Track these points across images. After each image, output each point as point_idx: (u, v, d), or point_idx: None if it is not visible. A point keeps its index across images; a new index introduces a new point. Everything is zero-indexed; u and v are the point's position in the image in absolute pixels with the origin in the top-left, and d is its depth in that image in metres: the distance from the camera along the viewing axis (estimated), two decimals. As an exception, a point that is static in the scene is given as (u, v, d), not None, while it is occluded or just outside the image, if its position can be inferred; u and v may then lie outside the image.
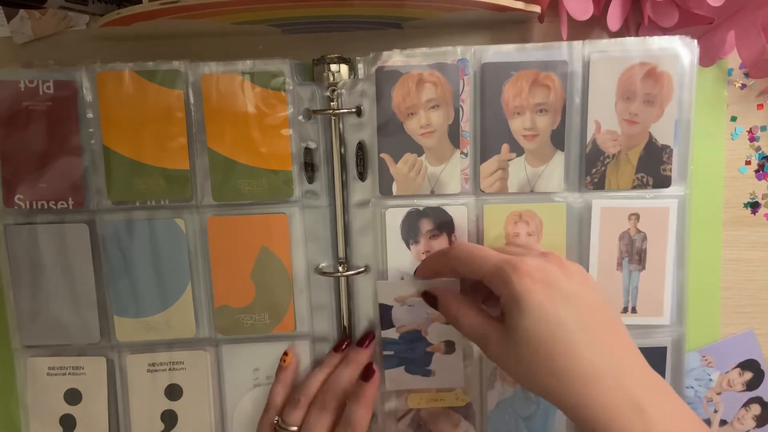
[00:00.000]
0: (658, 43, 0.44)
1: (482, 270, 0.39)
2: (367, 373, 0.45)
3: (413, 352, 0.47)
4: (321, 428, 0.45)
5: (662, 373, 0.47)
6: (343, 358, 0.47)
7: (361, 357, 0.47)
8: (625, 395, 0.34)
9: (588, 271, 0.46)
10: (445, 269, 0.43)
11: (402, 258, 0.46)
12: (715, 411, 0.51)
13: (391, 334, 0.47)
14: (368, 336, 0.47)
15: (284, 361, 0.48)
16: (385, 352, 0.47)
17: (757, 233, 0.50)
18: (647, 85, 0.44)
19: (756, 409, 0.52)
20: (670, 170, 0.45)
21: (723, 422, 0.52)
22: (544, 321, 0.36)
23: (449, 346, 0.47)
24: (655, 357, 0.47)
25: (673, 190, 0.45)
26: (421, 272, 0.46)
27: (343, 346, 0.48)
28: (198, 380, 0.48)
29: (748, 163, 0.50)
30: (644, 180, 0.45)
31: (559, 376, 0.35)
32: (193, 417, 0.48)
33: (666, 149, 0.45)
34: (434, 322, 0.47)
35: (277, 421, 0.46)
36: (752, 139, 0.50)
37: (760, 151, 0.50)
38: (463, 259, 0.41)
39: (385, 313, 0.47)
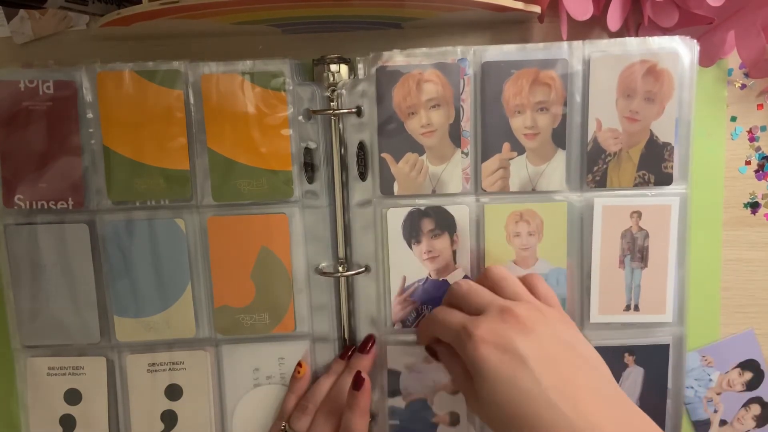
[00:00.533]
0: (658, 42, 0.44)
1: (448, 336, 0.41)
2: (357, 382, 0.45)
3: (419, 423, 0.48)
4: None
5: (664, 372, 0.47)
6: (347, 366, 0.48)
7: (364, 363, 0.47)
8: None
9: (591, 269, 0.46)
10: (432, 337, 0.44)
11: (403, 258, 0.46)
12: (715, 411, 0.51)
13: (398, 402, 0.48)
14: (369, 340, 0.48)
15: (298, 372, 0.48)
16: (390, 422, 0.48)
17: (757, 233, 0.50)
18: (648, 83, 0.44)
19: (756, 409, 0.52)
20: (672, 168, 0.45)
21: (723, 422, 0.52)
22: (500, 386, 0.36)
23: (454, 418, 0.48)
24: (658, 354, 0.47)
25: (675, 187, 0.45)
26: (420, 341, 0.47)
27: (349, 353, 0.48)
28: (198, 380, 0.48)
29: (748, 163, 0.50)
30: (646, 178, 0.45)
31: None
32: (193, 417, 0.48)
33: (667, 146, 0.45)
34: (440, 391, 0.48)
35: (284, 427, 0.47)
36: (752, 139, 0.50)
37: (760, 151, 0.50)
38: (435, 326, 0.42)
39: (393, 379, 0.48)
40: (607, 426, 0.35)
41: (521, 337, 0.38)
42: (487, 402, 0.37)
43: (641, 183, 0.45)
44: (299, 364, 0.48)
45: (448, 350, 0.42)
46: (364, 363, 0.47)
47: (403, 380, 0.48)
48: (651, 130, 0.45)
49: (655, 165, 0.45)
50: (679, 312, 0.47)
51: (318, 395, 0.47)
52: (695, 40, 0.44)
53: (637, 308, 0.47)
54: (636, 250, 0.46)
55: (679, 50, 0.44)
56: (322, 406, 0.46)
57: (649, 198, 0.46)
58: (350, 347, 0.48)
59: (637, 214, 0.46)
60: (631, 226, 0.46)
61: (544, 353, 0.37)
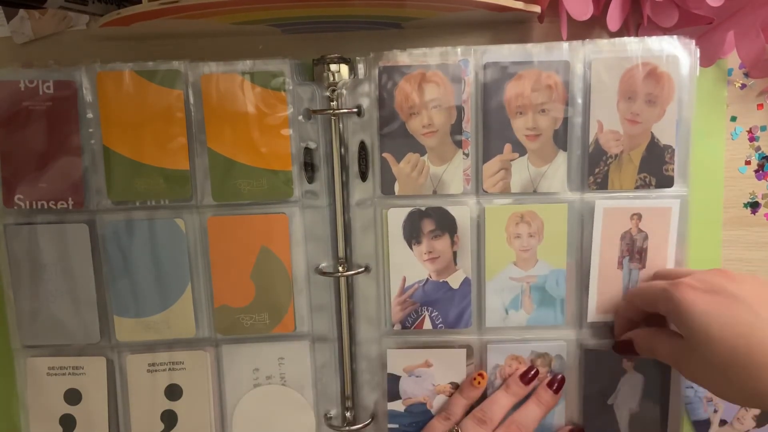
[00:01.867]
0: (658, 43, 0.44)
1: (652, 298, 0.42)
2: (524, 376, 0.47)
3: (417, 426, 0.48)
4: None
5: (665, 370, 0.47)
6: (530, 392, 0.47)
7: (550, 399, 0.47)
8: None
9: (588, 269, 0.47)
10: (635, 314, 0.45)
11: (404, 258, 0.46)
12: (715, 411, 0.51)
13: (397, 406, 0.48)
14: (557, 379, 0.47)
15: (478, 382, 0.47)
16: (390, 425, 0.48)
17: (757, 233, 0.50)
18: (649, 85, 0.44)
19: (755, 409, 0.52)
20: (673, 170, 0.45)
21: (723, 422, 0.52)
22: (716, 321, 0.37)
23: None
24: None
25: (676, 190, 0.45)
26: (619, 332, 0.46)
27: (530, 375, 0.47)
28: (198, 380, 0.48)
29: (748, 163, 0.50)
30: (647, 180, 0.45)
31: (752, 369, 0.36)
32: (193, 417, 0.48)
33: (668, 149, 0.45)
34: (439, 394, 0.48)
35: (457, 430, 0.46)
36: (752, 139, 0.50)
37: (759, 151, 0.50)
38: (634, 299, 0.44)
39: (392, 383, 0.48)
40: None
41: (729, 281, 0.38)
42: (702, 345, 0.37)
43: (642, 185, 0.45)
44: (480, 374, 0.47)
45: (646, 331, 0.44)
46: (550, 400, 0.47)
47: (403, 384, 0.48)
48: (652, 133, 0.45)
49: (656, 167, 0.45)
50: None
51: (497, 413, 0.46)
52: (694, 41, 0.44)
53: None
54: (635, 252, 0.46)
55: (679, 53, 0.44)
56: (502, 426, 0.46)
57: (650, 200, 0.46)
58: (532, 368, 0.47)
59: (638, 216, 0.46)
60: (630, 228, 0.46)
61: (756, 293, 0.38)
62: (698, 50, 0.44)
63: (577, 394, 0.48)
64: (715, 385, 0.38)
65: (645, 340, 0.44)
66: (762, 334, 0.36)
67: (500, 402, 0.46)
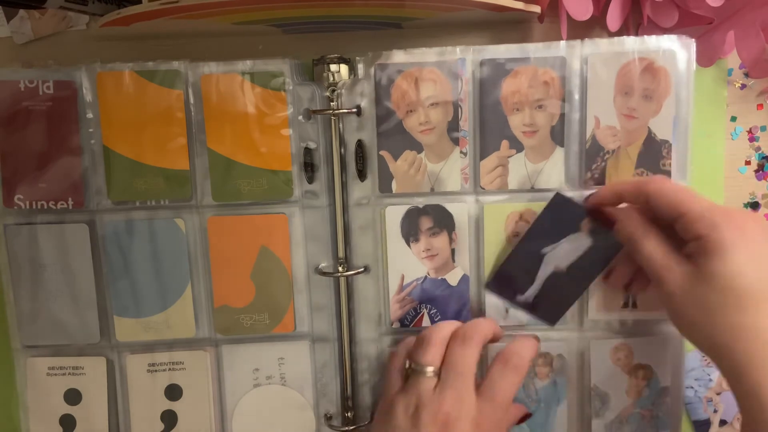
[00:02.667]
0: (655, 41, 0.44)
1: (688, 208, 0.38)
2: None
3: None
4: (470, 361, 0.40)
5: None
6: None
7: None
8: None
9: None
10: (634, 197, 0.41)
11: (402, 256, 0.46)
12: (715, 411, 0.51)
13: None
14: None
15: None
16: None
17: (757, 233, 0.50)
18: (645, 80, 0.44)
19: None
20: (670, 165, 0.45)
21: (723, 422, 0.52)
22: (747, 274, 0.35)
23: None
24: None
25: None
26: (597, 197, 0.44)
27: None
28: (198, 380, 0.48)
29: (747, 163, 0.50)
30: (644, 175, 0.45)
31: (739, 332, 0.35)
32: (193, 417, 0.48)
33: (665, 144, 0.45)
34: None
35: (409, 365, 0.42)
36: (752, 139, 0.50)
37: (759, 151, 0.50)
38: (666, 192, 0.39)
39: None
40: None
41: (754, 220, 0.38)
42: (719, 286, 0.35)
43: (640, 180, 0.45)
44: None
45: (642, 221, 0.40)
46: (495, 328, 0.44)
47: None
48: (649, 128, 0.45)
49: (653, 162, 0.45)
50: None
51: (441, 329, 0.42)
52: (692, 39, 0.44)
53: (634, 305, 0.47)
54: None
55: (675, 48, 0.44)
56: (454, 336, 0.42)
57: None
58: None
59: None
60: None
61: None
62: (695, 44, 0.44)
63: (576, 386, 0.48)
64: (696, 318, 0.37)
65: (635, 229, 0.40)
66: None
67: (443, 324, 0.43)
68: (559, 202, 0.45)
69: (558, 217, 0.45)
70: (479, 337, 0.41)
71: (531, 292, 0.46)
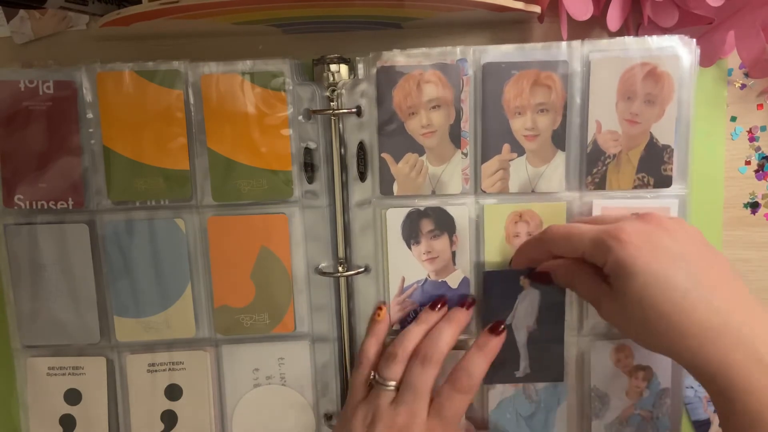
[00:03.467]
0: (658, 42, 0.44)
1: (581, 246, 0.40)
2: (495, 328, 0.45)
3: None
4: (426, 381, 0.43)
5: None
6: (442, 317, 0.46)
7: (463, 317, 0.46)
8: (746, 350, 0.34)
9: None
10: (541, 254, 0.44)
11: (402, 258, 0.46)
12: (715, 411, 0.51)
13: None
14: (466, 301, 0.47)
15: (378, 315, 0.47)
16: None
17: (757, 233, 0.50)
18: (648, 85, 0.44)
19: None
20: (671, 170, 0.45)
21: (723, 422, 0.52)
22: (653, 284, 0.36)
23: None
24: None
25: (674, 189, 0.45)
26: (516, 262, 0.46)
27: (439, 306, 0.46)
28: (198, 380, 0.48)
29: (747, 163, 0.50)
30: (645, 180, 0.45)
31: (673, 335, 0.36)
32: (193, 417, 0.48)
33: (667, 149, 0.45)
34: None
35: (374, 376, 0.45)
36: (752, 139, 0.50)
37: (759, 151, 0.50)
38: (558, 241, 0.42)
39: None
40: (764, 328, 0.35)
41: (669, 237, 0.38)
42: (634, 302, 0.37)
43: (640, 185, 0.45)
44: (379, 307, 0.47)
45: (568, 264, 0.42)
46: (462, 317, 0.46)
47: None
48: (651, 133, 0.45)
49: (655, 167, 0.45)
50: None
51: (408, 342, 0.44)
52: (694, 40, 0.44)
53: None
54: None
55: (679, 52, 0.44)
56: (416, 353, 0.44)
57: (648, 200, 0.46)
58: (441, 300, 0.47)
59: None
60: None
61: (695, 254, 0.37)
62: (698, 49, 0.44)
63: (576, 387, 0.48)
64: (630, 332, 0.38)
65: (566, 274, 0.42)
66: (691, 301, 0.35)
67: (410, 333, 0.45)
68: (491, 278, 0.46)
69: (498, 289, 0.46)
70: (438, 355, 0.44)
71: (524, 363, 0.47)
